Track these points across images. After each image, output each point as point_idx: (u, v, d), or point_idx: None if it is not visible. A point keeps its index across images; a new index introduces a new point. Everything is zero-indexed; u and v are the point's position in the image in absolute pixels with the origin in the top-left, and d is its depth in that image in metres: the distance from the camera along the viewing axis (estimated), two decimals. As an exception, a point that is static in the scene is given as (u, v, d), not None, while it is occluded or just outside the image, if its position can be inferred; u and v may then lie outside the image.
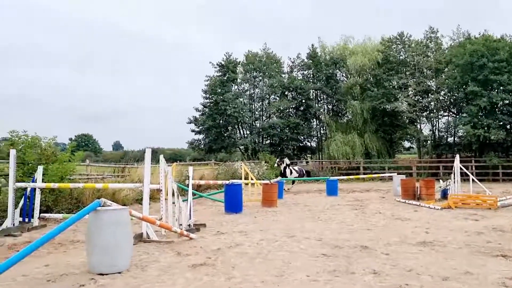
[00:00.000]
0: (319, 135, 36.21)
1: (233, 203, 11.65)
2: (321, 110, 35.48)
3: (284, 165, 18.83)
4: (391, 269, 5.34)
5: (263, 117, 35.35)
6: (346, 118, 35.17)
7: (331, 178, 18.61)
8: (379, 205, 13.12)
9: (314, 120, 35.91)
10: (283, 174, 18.59)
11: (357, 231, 8.42)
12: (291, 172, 18.83)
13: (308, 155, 36.88)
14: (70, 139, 62.97)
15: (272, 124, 32.81)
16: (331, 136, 32.23)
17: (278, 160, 19.84)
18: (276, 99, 34.66)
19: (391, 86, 31.08)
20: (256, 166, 23.54)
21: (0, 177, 10.09)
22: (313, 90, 34.81)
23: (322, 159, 33.36)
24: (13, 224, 8.34)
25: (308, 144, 36.41)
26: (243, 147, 34.07)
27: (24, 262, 4.94)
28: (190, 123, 34.39)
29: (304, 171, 20.87)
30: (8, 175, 8.90)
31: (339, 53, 33.80)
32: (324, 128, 35.37)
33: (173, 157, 45.41)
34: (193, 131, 34.53)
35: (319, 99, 35.89)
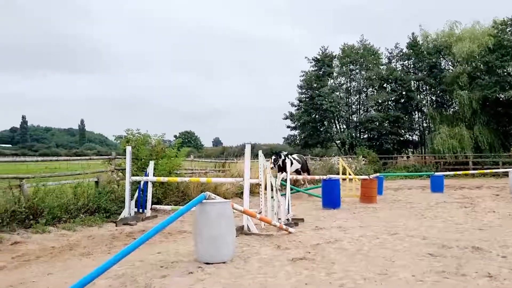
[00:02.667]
0: (421, 129, 34.18)
1: (331, 198, 11.54)
2: (424, 101, 33.40)
3: (283, 158, 14.81)
4: (509, 273, 4.87)
5: (361, 110, 34.37)
6: (452, 109, 32.65)
7: (436, 173, 17.48)
8: (493, 203, 11.99)
9: (416, 112, 33.97)
10: (283, 168, 14.26)
11: (467, 230, 7.80)
12: (291, 163, 15.07)
13: (409, 149, 35.07)
14: (175, 136, 67.41)
15: (370, 118, 31.75)
16: (435, 129, 30.16)
17: (274, 157, 14.90)
18: (374, 91, 33.46)
19: (505, 73, 28.13)
20: (353, 161, 23.05)
21: (118, 171, 11.17)
22: (414, 81, 32.91)
23: (425, 153, 31.46)
24: (130, 214, 9.20)
25: (410, 138, 34.58)
26: (339, 141, 33.50)
27: (140, 248, 5.40)
28: (286, 119, 34.72)
29: (304, 159, 17.61)
30: (125, 169, 9.84)
31: (443, 40, 31.37)
32: (427, 120, 33.26)
33: (269, 152, 46.23)
34: (288, 126, 34.84)
35: (421, 90, 33.82)
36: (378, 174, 17.07)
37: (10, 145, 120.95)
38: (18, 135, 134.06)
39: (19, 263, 5.71)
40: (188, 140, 76.23)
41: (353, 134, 32.62)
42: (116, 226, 8.62)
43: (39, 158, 12.64)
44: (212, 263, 5.39)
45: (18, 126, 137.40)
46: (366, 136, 33.43)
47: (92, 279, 4.25)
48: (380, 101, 32.09)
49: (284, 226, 7.67)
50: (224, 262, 5.45)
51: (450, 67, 32.66)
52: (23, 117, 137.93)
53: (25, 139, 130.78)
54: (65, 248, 6.63)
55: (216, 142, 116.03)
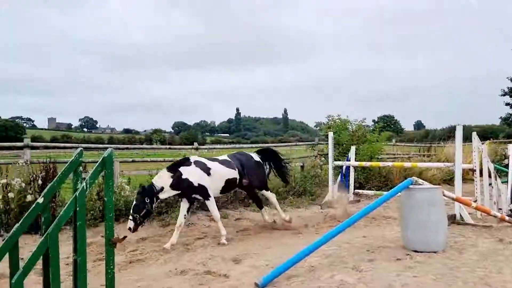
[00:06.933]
0: None
1: None
2: None
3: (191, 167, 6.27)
4: None
5: None
6: None
7: None
8: None
9: None
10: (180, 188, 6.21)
11: None
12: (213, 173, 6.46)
13: None
14: (374, 121, 66.09)
15: None
16: None
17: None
18: None
19: None
20: None
21: (321, 156, 11.67)
22: None
23: None
24: (333, 198, 9.50)
25: None
26: None
27: (345, 231, 5.54)
28: (504, 95, 30.06)
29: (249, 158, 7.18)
30: (327, 154, 10.20)
31: None
32: None
33: (483, 134, 40.95)
34: (507, 104, 30.10)
35: None
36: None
37: (227, 134, 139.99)
38: (234, 125, 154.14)
39: (243, 236, 6.58)
40: (387, 124, 73.76)
41: None
42: (321, 208, 9.03)
43: (253, 145, 14.21)
44: (421, 251, 5.15)
45: (233, 117, 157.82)
46: None
47: (305, 256, 4.62)
48: None
49: (507, 218, 6.73)
50: (435, 252, 5.14)
51: None
52: (237, 109, 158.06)
53: (239, 129, 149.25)
54: (279, 227, 7.31)
55: (418, 125, 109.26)
